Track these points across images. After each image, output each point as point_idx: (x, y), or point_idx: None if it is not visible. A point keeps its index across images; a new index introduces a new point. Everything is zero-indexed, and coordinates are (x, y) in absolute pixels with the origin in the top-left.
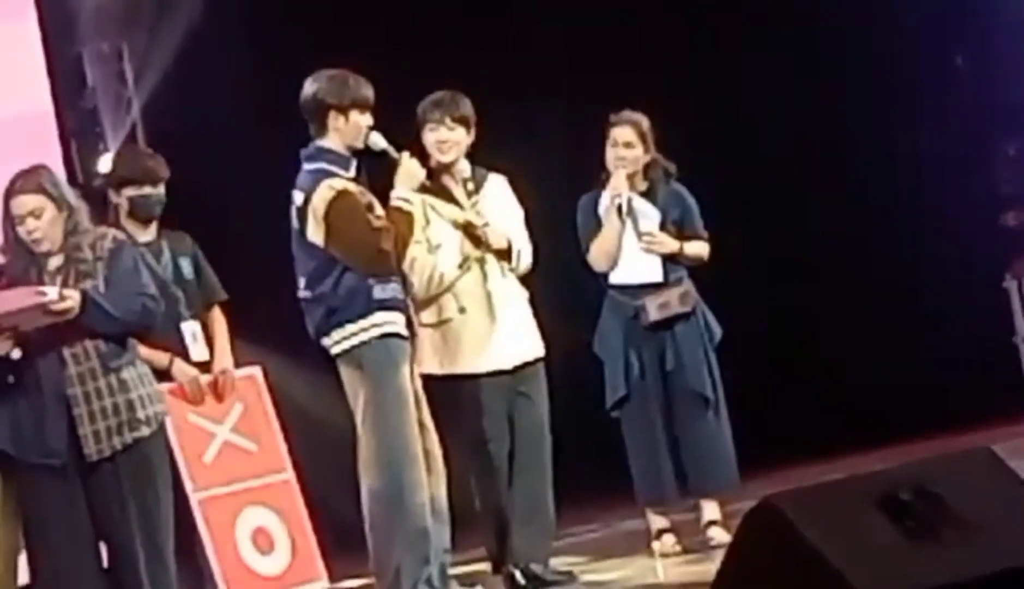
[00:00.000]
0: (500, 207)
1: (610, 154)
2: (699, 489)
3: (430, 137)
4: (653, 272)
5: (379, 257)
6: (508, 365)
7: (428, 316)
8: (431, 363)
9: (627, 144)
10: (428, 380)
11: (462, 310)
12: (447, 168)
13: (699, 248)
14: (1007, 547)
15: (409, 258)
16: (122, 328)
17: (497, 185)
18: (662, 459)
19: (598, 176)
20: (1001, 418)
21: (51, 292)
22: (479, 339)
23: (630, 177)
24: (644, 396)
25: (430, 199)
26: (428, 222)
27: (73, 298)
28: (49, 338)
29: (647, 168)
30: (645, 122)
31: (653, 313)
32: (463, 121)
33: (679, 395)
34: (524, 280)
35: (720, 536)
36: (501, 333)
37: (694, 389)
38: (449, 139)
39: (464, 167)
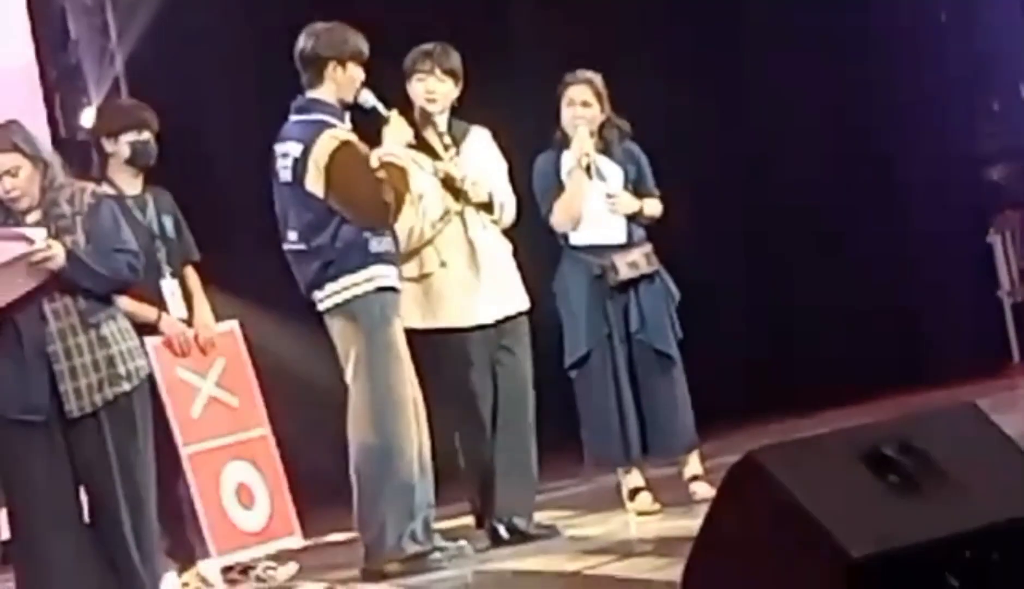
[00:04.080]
0: (482, 160)
1: (567, 114)
2: (659, 450)
3: (418, 87)
4: (617, 232)
5: (381, 209)
6: (490, 319)
7: (409, 269)
8: (413, 317)
9: (584, 103)
10: (410, 334)
11: (443, 264)
12: (428, 119)
13: (655, 206)
14: (991, 502)
15: None
16: (105, 285)
17: (479, 138)
18: (622, 419)
19: (553, 136)
20: (985, 372)
21: (38, 239)
22: (461, 293)
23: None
24: (607, 356)
25: (410, 151)
26: (409, 174)
27: (58, 248)
28: (30, 295)
29: (602, 127)
30: (599, 80)
31: (623, 271)
32: (452, 73)
33: (643, 355)
34: (509, 233)
35: (704, 491)
36: (483, 287)
37: (658, 349)
38: (437, 90)
39: (443, 120)
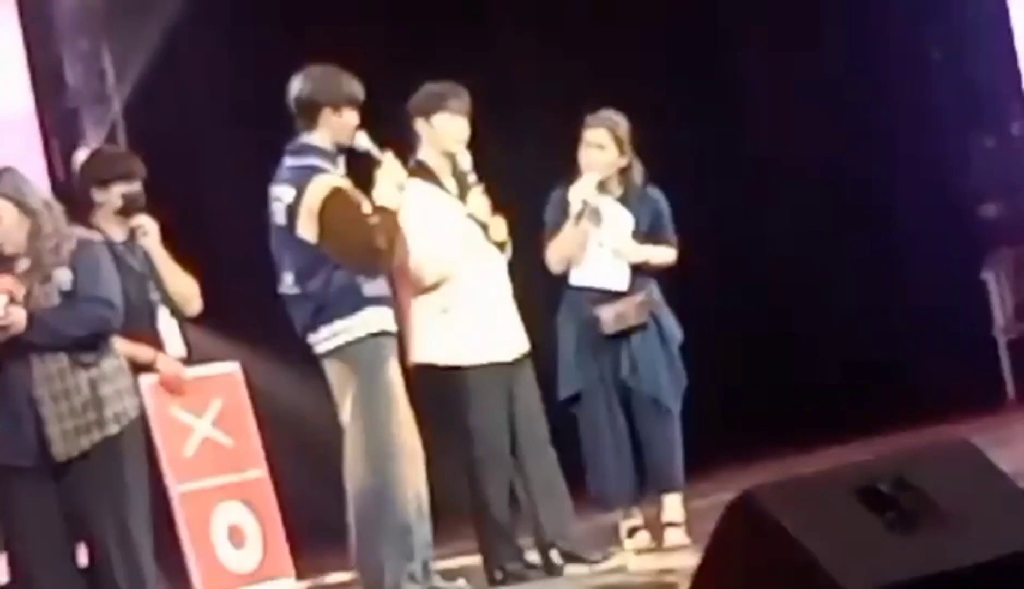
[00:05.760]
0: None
1: (582, 155)
2: (651, 489)
3: (448, 125)
4: (618, 279)
5: (373, 255)
6: (509, 356)
7: (429, 305)
8: (432, 353)
9: (599, 146)
10: (428, 370)
11: (462, 299)
12: (452, 157)
13: (666, 255)
14: (987, 539)
15: (410, 247)
16: (71, 342)
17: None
18: (614, 459)
19: (573, 174)
20: (980, 409)
21: None
22: (480, 329)
23: (603, 180)
24: (597, 398)
25: (432, 188)
26: (429, 212)
27: (17, 314)
28: (17, 338)
29: (622, 171)
30: (622, 125)
31: (609, 326)
32: (466, 113)
33: (634, 399)
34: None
35: (677, 539)
36: (501, 323)
37: (649, 395)
38: (460, 130)
39: (466, 158)
